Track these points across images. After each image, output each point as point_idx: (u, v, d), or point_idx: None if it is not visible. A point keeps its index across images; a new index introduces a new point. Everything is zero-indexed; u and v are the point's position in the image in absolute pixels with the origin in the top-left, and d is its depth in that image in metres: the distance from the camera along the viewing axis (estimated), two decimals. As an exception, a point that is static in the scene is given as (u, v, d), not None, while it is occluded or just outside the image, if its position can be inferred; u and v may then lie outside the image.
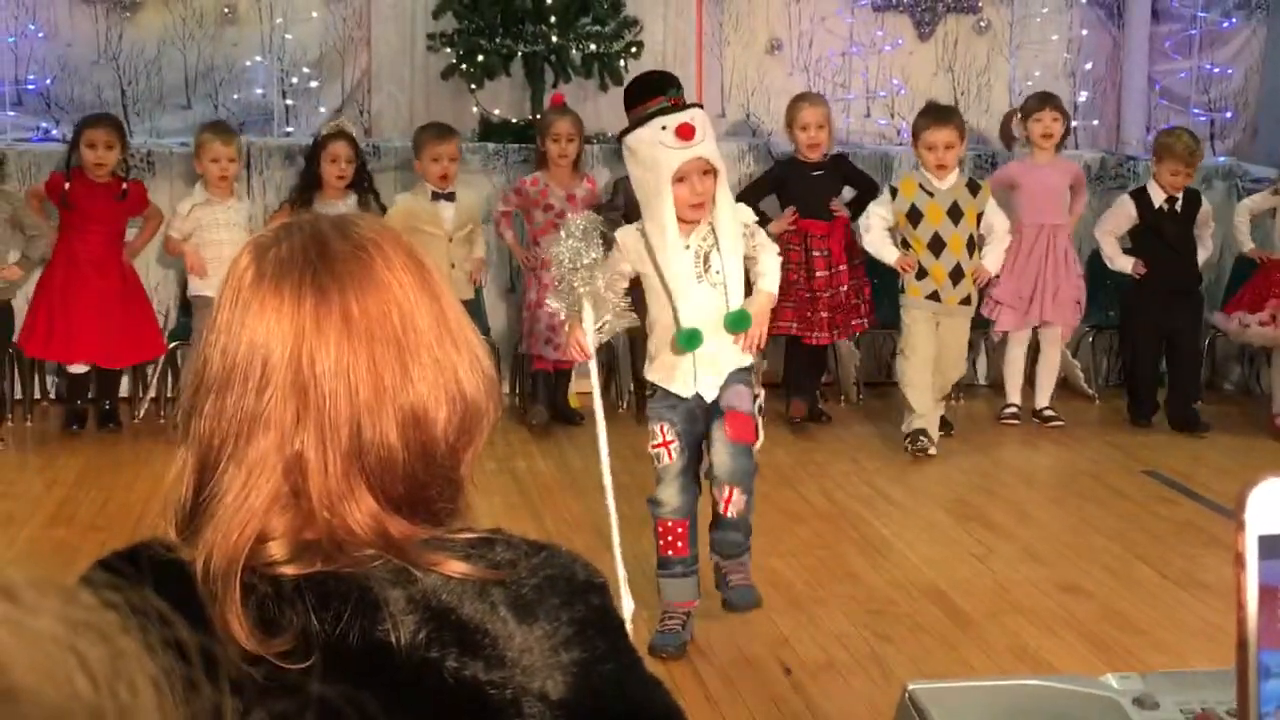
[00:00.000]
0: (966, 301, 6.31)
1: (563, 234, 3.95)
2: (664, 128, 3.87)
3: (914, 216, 6.23)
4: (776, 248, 4.21)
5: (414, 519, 1.24)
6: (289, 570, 1.20)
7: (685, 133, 3.85)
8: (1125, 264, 6.68)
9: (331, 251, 1.26)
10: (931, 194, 6.21)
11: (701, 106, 4.14)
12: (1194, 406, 6.68)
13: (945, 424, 6.50)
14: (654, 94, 3.98)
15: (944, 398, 6.53)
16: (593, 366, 4.08)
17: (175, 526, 1.26)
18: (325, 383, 1.22)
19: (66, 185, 6.28)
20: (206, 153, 6.40)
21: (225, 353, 1.25)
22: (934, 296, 6.25)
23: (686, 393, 4.03)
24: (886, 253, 6.27)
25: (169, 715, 0.61)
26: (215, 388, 1.25)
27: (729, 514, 4.05)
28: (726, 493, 4.03)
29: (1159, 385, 6.80)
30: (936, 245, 6.22)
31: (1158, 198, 6.62)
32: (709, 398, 4.02)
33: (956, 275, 6.23)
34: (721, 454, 4.02)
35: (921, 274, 6.24)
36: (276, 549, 1.21)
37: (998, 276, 6.50)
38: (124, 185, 6.37)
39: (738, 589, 4.09)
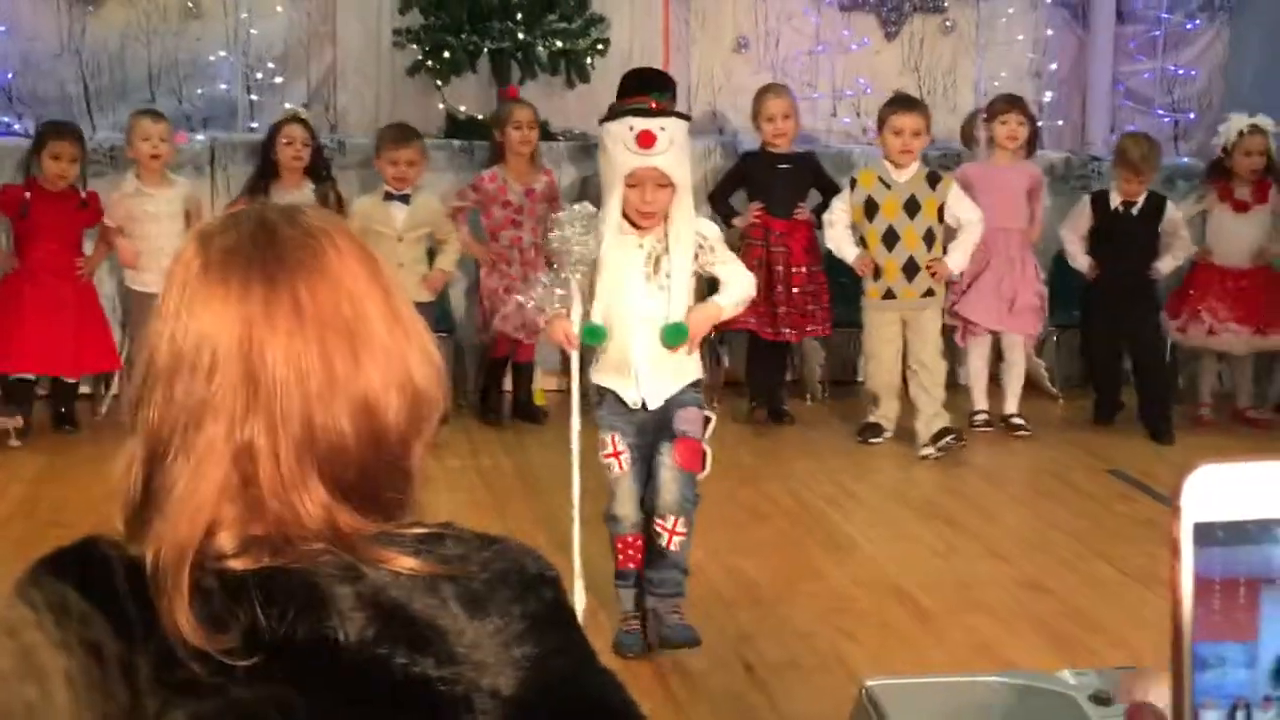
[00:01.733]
0: (930, 293, 6.24)
1: (564, 219, 3.87)
2: (631, 128, 3.84)
3: (870, 209, 6.18)
4: (749, 275, 4.14)
5: (364, 510, 1.23)
6: (237, 564, 1.19)
7: (645, 140, 3.80)
8: (1083, 264, 6.64)
9: (280, 239, 1.25)
10: (889, 186, 6.17)
11: (688, 118, 4.04)
12: (1168, 414, 6.53)
13: (949, 432, 6.15)
14: (641, 91, 3.94)
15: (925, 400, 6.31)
16: (575, 358, 4.06)
17: (124, 520, 1.24)
18: (276, 371, 1.21)
19: (27, 195, 6.20)
20: (137, 133, 6.27)
21: (173, 342, 1.23)
22: (890, 295, 6.21)
23: (634, 400, 3.96)
24: (847, 250, 6.24)
25: (80, 713, 0.59)
26: (163, 377, 1.23)
27: (672, 547, 3.93)
28: (671, 522, 3.92)
29: (1123, 385, 6.78)
30: (890, 239, 6.17)
31: (1115, 200, 6.59)
32: (653, 405, 3.95)
33: (910, 269, 6.18)
34: (668, 480, 3.92)
35: (877, 274, 6.20)
36: (225, 541, 1.19)
37: (959, 278, 6.43)
38: (82, 195, 6.30)
39: (676, 627, 3.97)
